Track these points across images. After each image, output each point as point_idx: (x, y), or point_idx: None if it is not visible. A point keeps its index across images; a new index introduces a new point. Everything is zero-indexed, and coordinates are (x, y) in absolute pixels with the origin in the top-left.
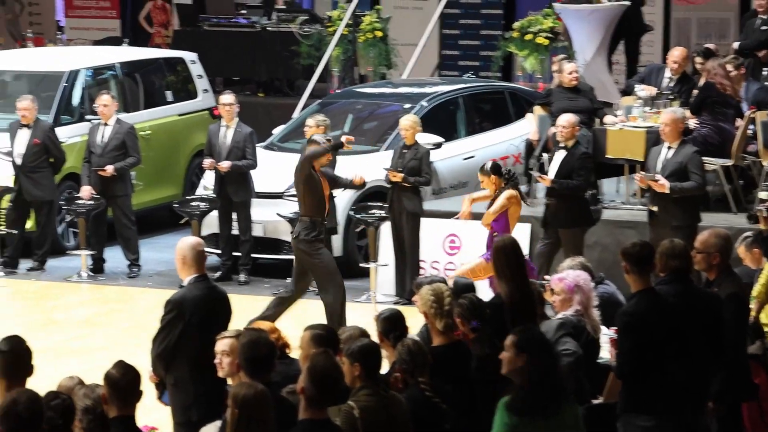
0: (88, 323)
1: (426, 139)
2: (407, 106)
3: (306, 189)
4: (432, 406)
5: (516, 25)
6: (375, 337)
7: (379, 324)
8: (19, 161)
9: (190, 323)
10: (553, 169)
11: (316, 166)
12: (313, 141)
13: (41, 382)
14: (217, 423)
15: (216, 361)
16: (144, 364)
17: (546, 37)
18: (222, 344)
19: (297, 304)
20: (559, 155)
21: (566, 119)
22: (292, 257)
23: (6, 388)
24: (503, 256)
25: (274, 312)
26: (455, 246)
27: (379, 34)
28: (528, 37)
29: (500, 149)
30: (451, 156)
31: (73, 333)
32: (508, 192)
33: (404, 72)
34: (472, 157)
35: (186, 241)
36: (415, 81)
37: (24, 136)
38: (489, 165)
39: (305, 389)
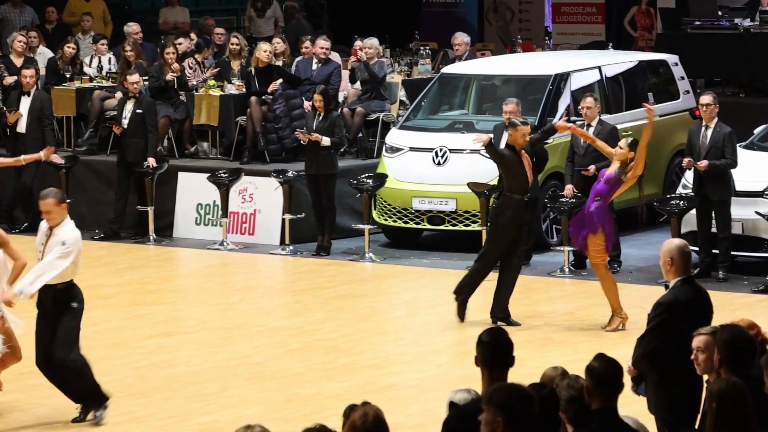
0: (571, 316)
1: None
2: None
3: None
4: None
5: None
6: None
7: None
8: None
9: (678, 325)
10: None
11: None
12: None
13: (526, 371)
14: None
15: (692, 357)
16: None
17: None
18: (698, 341)
19: None
20: None
21: None
22: None
23: (488, 377)
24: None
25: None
26: None
27: None
28: None
29: None
30: None
31: (555, 326)
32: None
33: None
34: None
35: (672, 243)
36: None
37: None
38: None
39: None
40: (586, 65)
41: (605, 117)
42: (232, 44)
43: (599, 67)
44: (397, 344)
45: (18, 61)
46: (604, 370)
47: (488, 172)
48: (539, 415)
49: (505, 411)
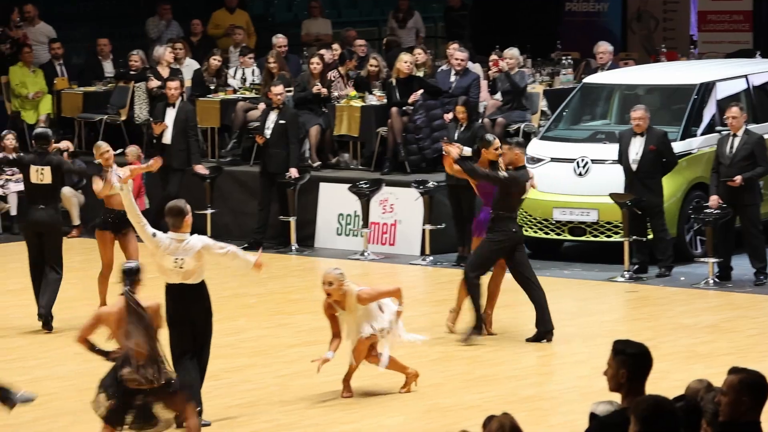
0: (715, 329)
1: None
2: None
3: None
4: None
5: None
6: None
7: None
8: (634, 167)
9: None
10: None
11: None
12: None
13: (669, 384)
14: None
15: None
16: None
17: None
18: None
19: None
20: None
21: None
22: None
23: (627, 389)
24: None
25: None
26: None
27: None
28: None
29: None
30: None
31: (700, 338)
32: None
33: None
34: None
35: None
36: None
37: (638, 144)
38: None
39: None
40: (732, 74)
41: (752, 127)
42: (371, 65)
43: (746, 76)
44: (537, 355)
45: (164, 73)
46: (752, 380)
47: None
48: (679, 428)
49: (644, 423)
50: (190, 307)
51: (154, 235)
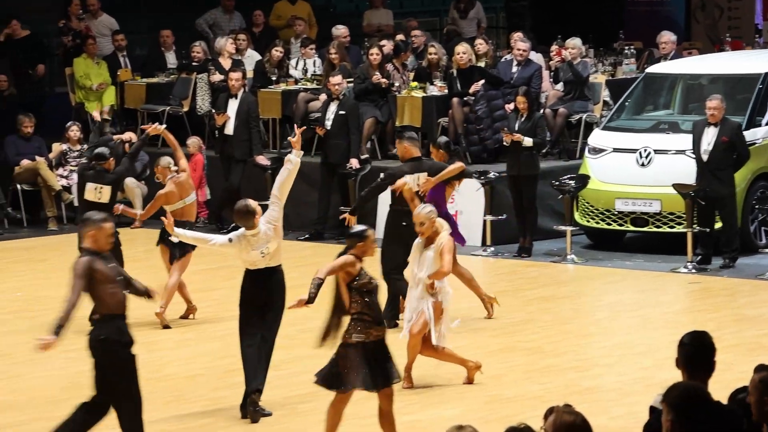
0: None
1: None
2: None
3: None
4: None
5: None
6: None
7: None
8: (705, 158)
9: None
10: None
11: None
12: None
13: (733, 375)
14: None
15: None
16: None
17: None
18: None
19: None
20: None
21: None
22: None
23: (688, 380)
24: None
25: None
26: None
27: None
28: None
29: None
30: None
31: (764, 330)
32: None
33: None
34: None
35: None
36: None
37: (711, 134)
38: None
39: None
40: None
41: None
42: (430, 54)
43: None
44: (599, 346)
45: (226, 64)
46: None
47: (694, 173)
48: (735, 419)
49: (676, 410)
50: (271, 289)
51: (230, 240)
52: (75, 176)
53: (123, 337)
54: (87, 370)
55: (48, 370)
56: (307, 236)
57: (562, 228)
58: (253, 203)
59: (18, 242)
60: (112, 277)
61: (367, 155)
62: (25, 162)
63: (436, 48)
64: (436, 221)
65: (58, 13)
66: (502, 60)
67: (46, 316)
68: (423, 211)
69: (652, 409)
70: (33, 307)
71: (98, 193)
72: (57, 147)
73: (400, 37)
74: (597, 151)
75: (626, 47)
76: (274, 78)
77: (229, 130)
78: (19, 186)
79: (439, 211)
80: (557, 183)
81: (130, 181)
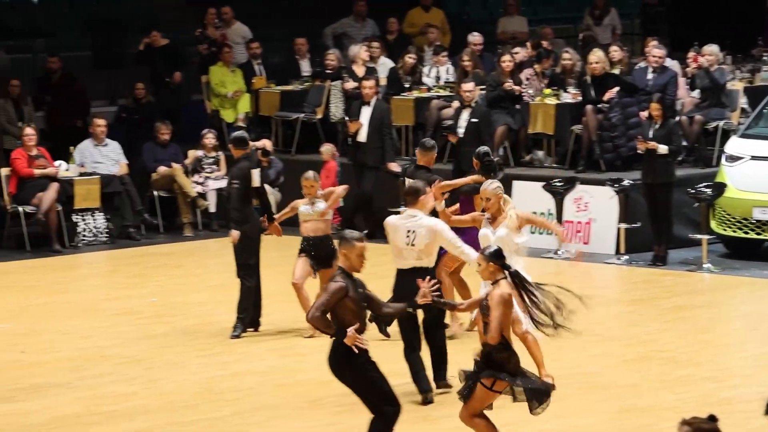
0: None
1: None
2: None
3: None
4: None
5: None
6: None
7: None
8: None
9: None
10: None
11: None
12: None
13: None
14: None
15: None
16: None
17: None
18: None
19: None
20: None
21: None
22: None
23: None
24: None
25: None
26: None
27: None
28: None
29: None
30: None
31: None
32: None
33: None
34: None
35: None
36: None
37: None
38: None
39: None
40: None
41: None
42: (564, 60)
43: None
44: (737, 357)
45: (359, 71)
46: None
47: None
48: None
49: None
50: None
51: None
52: (210, 183)
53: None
54: (220, 375)
55: (183, 375)
56: None
57: (698, 236)
58: (425, 187)
59: (154, 248)
60: (360, 301)
61: (500, 161)
62: (162, 169)
63: (570, 54)
64: (503, 197)
65: (194, 23)
66: (637, 67)
67: (181, 322)
68: (489, 186)
69: None
70: (169, 312)
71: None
72: (192, 154)
73: (546, 44)
74: (734, 159)
75: (765, 54)
76: (407, 85)
77: (362, 137)
78: (155, 192)
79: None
80: (693, 191)
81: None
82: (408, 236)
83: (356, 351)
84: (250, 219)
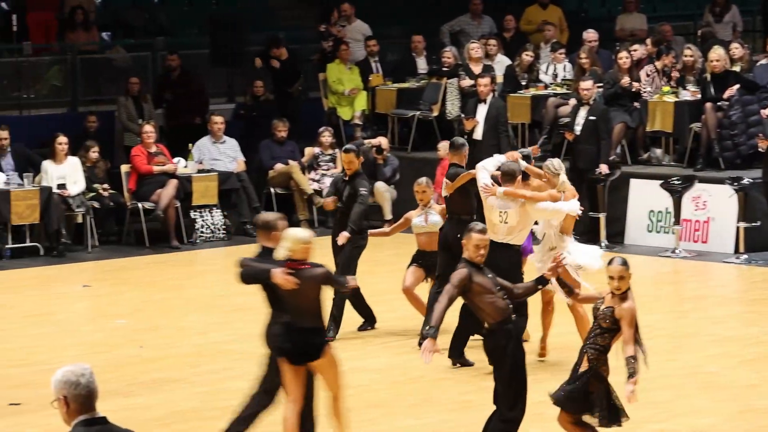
0: None
1: None
2: None
3: None
4: None
5: None
6: None
7: None
8: None
9: None
10: None
11: None
12: None
13: None
14: None
15: None
16: None
17: None
18: None
19: None
20: None
21: None
22: None
23: None
24: None
25: None
26: None
27: None
28: None
29: None
30: None
31: None
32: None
33: None
34: None
35: None
36: None
37: None
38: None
39: None
40: None
41: None
42: (686, 56)
43: None
44: None
45: (476, 69)
46: None
47: None
48: None
49: None
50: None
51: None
52: (326, 180)
53: (510, 334)
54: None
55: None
56: None
57: None
58: (519, 169)
59: None
60: (490, 287)
61: (617, 160)
62: (279, 166)
63: (692, 50)
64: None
65: (309, 20)
66: (758, 64)
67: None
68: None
69: None
70: None
71: None
72: (309, 151)
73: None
74: None
75: None
76: (524, 83)
77: (478, 135)
78: (272, 189)
79: None
80: None
81: (380, 185)
82: (500, 216)
83: None
84: (364, 232)
